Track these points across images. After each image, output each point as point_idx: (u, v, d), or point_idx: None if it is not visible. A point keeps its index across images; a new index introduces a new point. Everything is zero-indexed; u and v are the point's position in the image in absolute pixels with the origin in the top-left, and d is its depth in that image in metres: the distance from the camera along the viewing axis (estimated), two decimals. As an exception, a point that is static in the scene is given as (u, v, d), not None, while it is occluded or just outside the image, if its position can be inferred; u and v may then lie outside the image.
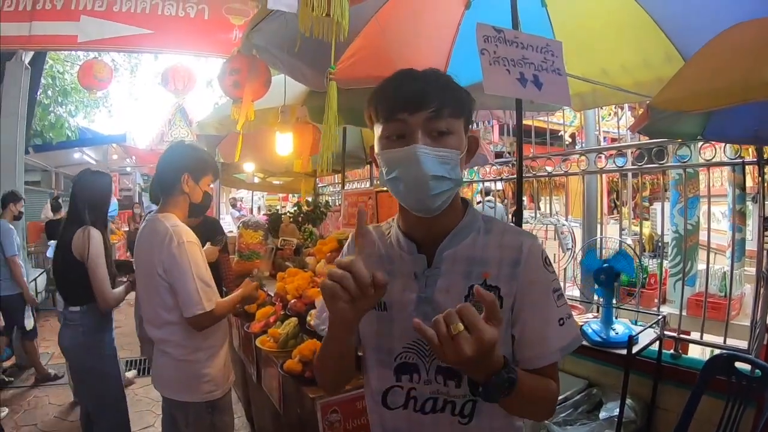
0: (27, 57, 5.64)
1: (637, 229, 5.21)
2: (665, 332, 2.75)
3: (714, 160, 2.71)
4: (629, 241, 3.22)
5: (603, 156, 3.24)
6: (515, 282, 1.05)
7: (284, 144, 2.47)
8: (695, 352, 3.14)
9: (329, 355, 1.11)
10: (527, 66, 1.86)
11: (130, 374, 4.82)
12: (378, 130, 1.06)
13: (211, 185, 2.28)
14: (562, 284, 3.28)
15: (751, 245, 5.15)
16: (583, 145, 3.49)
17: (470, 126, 1.11)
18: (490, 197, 5.61)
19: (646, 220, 5.71)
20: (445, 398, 1.08)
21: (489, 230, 1.12)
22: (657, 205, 6.74)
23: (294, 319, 2.46)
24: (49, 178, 10.69)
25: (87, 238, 2.56)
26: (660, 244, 6.01)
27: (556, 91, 1.91)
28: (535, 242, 1.10)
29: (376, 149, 1.08)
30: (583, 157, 3.23)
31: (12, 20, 4.97)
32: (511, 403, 0.95)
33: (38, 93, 6.97)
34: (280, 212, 4.20)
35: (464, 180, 4.39)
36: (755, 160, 2.63)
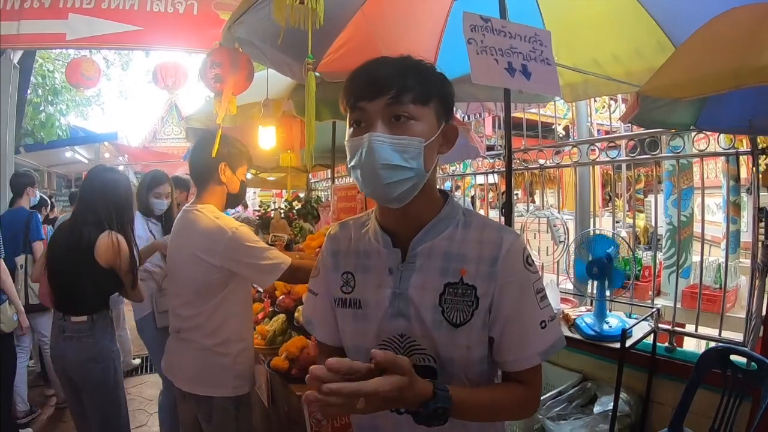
0: (15, 56, 5.56)
1: (631, 221, 5.22)
2: (660, 325, 2.73)
3: (707, 150, 2.68)
4: (624, 234, 3.20)
5: (596, 148, 3.21)
6: (493, 282, 1.00)
7: (267, 138, 2.42)
8: (690, 345, 3.13)
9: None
10: (515, 55, 1.82)
11: (136, 361, 4.95)
12: (347, 119, 1.03)
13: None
14: (555, 277, 3.31)
15: (746, 237, 5.15)
16: (576, 137, 3.45)
17: (448, 114, 1.05)
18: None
19: (641, 212, 5.70)
20: None
21: (468, 224, 1.07)
22: (652, 197, 6.75)
23: (282, 316, 2.43)
24: (41, 177, 10.61)
25: (117, 244, 2.39)
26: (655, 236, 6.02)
27: (545, 81, 1.87)
28: (517, 239, 1.05)
29: (345, 137, 1.05)
30: (575, 149, 3.20)
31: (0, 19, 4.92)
32: (461, 419, 0.95)
33: (28, 92, 6.91)
34: (270, 208, 4.15)
35: (458, 174, 4.39)
36: (749, 150, 2.60)
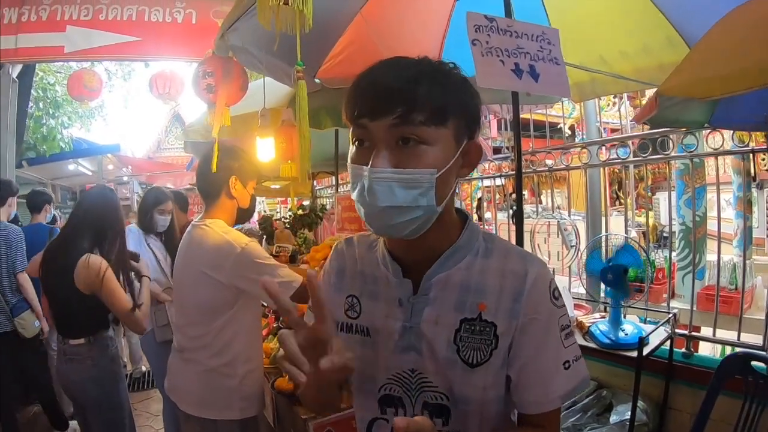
0: (15, 70, 5.56)
1: (640, 219, 5.14)
2: (676, 330, 2.64)
3: (721, 148, 2.60)
4: (633, 234, 3.12)
5: (604, 148, 3.13)
6: (515, 320, 0.89)
7: (265, 149, 2.35)
8: (706, 348, 3.04)
9: (305, 396, 1.01)
10: (522, 56, 1.75)
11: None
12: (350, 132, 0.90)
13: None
14: (567, 281, 3.22)
15: (757, 233, 5.09)
16: (584, 137, 3.37)
17: (472, 130, 0.89)
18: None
19: (650, 210, 5.62)
20: None
21: (489, 252, 0.94)
22: (659, 195, 6.68)
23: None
24: (45, 190, 10.60)
25: (89, 267, 2.27)
26: (664, 234, 5.93)
27: (554, 82, 1.80)
28: (543, 270, 0.93)
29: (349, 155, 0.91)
30: (584, 150, 3.12)
31: (-2, 34, 4.93)
32: None
33: (29, 106, 6.90)
34: (272, 217, 4.09)
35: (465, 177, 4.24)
36: (765, 147, 2.52)
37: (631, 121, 3.46)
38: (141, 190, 13.76)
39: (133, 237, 3.02)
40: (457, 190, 0.96)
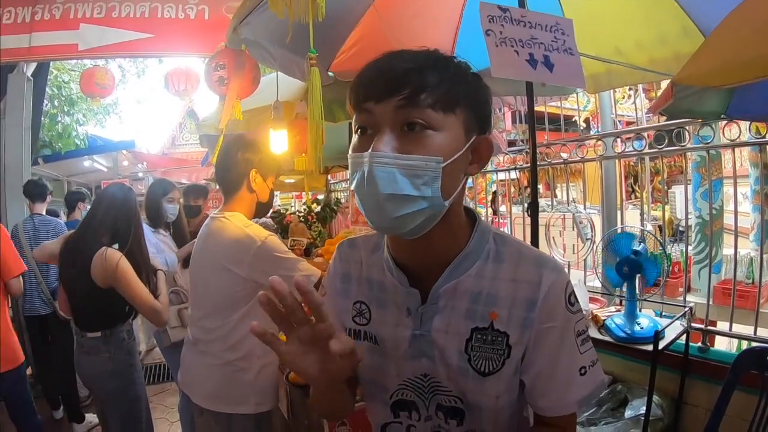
0: (29, 69, 5.63)
1: (656, 213, 5.08)
2: (692, 324, 2.61)
3: (738, 140, 2.56)
4: (649, 227, 3.08)
5: (620, 140, 3.09)
6: (529, 330, 0.86)
7: (279, 142, 2.34)
8: (722, 343, 3.00)
9: (319, 402, 1.00)
10: (537, 46, 1.73)
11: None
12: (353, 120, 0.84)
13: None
14: (582, 275, 3.19)
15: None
16: (599, 130, 3.33)
17: (482, 125, 0.84)
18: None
19: (666, 204, 5.55)
20: None
21: (500, 256, 0.89)
22: (675, 188, 6.59)
23: (301, 324, 2.36)
24: (61, 187, 10.71)
25: (107, 261, 2.28)
26: (680, 228, 5.85)
27: (568, 72, 1.77)
28: (558, 276, 0.87)
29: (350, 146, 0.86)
30: (599, 142, 3.08)
31: (12, 33, 5.00)
32: None
33: (44, 103, 6.98)
34: (287, 211, 4.10)
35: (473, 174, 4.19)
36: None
37: (647, 112, 3.41)
38: (156, 187, 13.92)
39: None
40: (468, 187, 0.93)
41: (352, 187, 0.81)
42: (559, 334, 0.86)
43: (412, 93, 0.75)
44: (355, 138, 0.83)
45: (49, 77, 7.06)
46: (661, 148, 2.75)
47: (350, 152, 0.82)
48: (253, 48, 2.17)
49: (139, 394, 2.48)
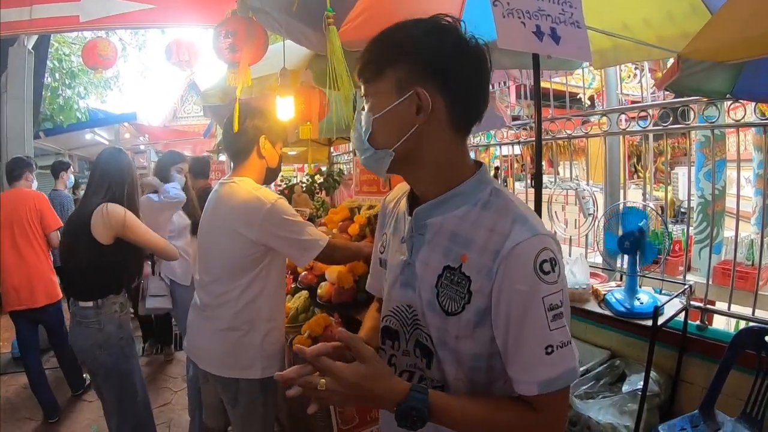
0: (30, 41, 5.58)
1: (658, 193, 5.08)
2: (691, 302, 2.64)
3: (744, 120, 2.55)
4: (652, 206, 3.09)
5: (624, 117, 3.08)
6: (489, 282, 0.86)
7: (285, 109, 2.32)
8: (719, 323, 3.03)
9: None
10: (544, 18, 1.70)
11: None
12: None
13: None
14: (583, 251, 3.20)
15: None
16: (604, 106, 3.32)
17: (425, 75, 0.89)
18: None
19: (668, 185, 5.55)
20: (421, 374, 0.99)
21: (488, 206, 0.92)
22: (678, 170, 6.58)
23: (305, 293, 2.38)
24: (63, 160, 10.72)
25: (108, 214, 2.32)
26: (681, 209, 5.85)
27: (575, 45, 1.75)
28: (532, 239, 0.85)
29: None
30: (604, 119, 3.07)
31: (12, 5, 4.91)
32: (447, 427, 0.88)
33: (45, 76, 6.92)
34: (293, 182, 4.12)
35: (482, 145, 4.23)
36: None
37: (651, 89, 3.38)
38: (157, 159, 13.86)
39: (153, 209, 3.06)
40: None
41: None
42: (525, 300, 0.84)
43: (366, 75, 0.95)
44: None
45: (49, 50, 6.99)
46: (666, 126, 2.74)
47: None
48: (261, 15, 2.14)
49: (131, 369, 2.47)
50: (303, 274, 2.57)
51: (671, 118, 2.69)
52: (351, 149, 7.59)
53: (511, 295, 0.84)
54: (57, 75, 8.13)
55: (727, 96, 2.29)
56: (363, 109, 0.97)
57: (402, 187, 1.16)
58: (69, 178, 5.36)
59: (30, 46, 5.56)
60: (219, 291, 1.92)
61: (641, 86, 4.08)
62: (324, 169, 5.43)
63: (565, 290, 0.88)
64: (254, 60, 2.07)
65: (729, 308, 2.70)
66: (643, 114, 2.92)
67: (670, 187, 5.53)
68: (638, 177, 7.54)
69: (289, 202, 3.56)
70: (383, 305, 1.09)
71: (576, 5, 1.82)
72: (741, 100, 2.42)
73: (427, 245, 0.96)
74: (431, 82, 0.89)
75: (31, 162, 3.96)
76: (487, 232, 0.89)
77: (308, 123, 2.35)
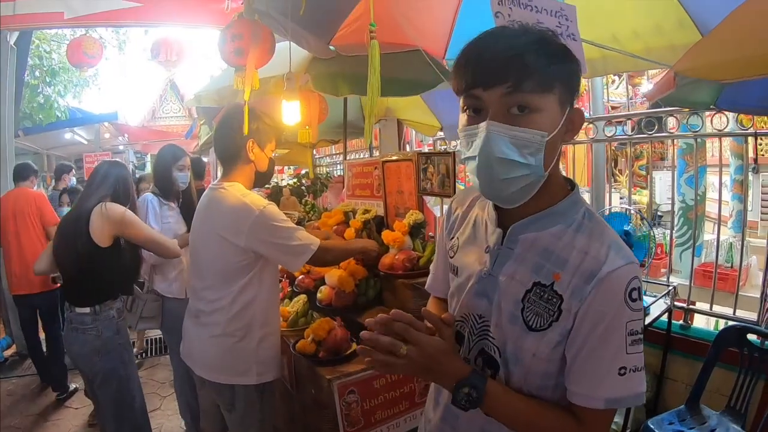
0: (12, 37, 5.44)
1: (635, 197, 5.22)
2: (675, 303, 2.73)
3: (725, 130, 2.66)
4: (633, 210, 3.19)
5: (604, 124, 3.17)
6: (580, 302, 0.88)
7: (291, 113, 2.31)
8: (700, 322, 3.14)
9: None
10: (542, 30, 1.77)
11: None
12: (459, 102, 0.94)
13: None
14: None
15: (751, 216, 5.18)
16: (590, 113, 3.40)
17: (573, 96, 0.91)
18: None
19: (644, 188, 5.69)
20: None
21: (583, 229, 0.94)
22: (656, 174, 6.75)
23: (303, 297, 2.39)
24: (41, 160, 10.50)
25: (107, 212, 2.30)
26: (658, 213, 5.99)
27: (572, 57, 1.82)
28: (626, 267, 0.87)
29: (459, 124, 0.95)
30: (590, 125, 3.16)
31: (-3, 1, 4.79)
32: (495, 417, 0.94)
33: (25, 74, 6.76)
34: (279, 185, 4.11)
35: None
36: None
37: (642, 97, 3.49)
38: (136, 160, 13.63)
39: (152, 209, 2.91)
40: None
41: (466, 156, 0.92)
42: (609, 323, 0.86)
43: (516, 81, 0.83)
44: (464, 117, 0.92)
45: (30, 47, 6.84)
46: (651, 134, 2.84)
47: (461, 129, 0.92)
48: (265, 18, 2.16)
49: (129, 374, 2.44)
50: (300, 278, 2.59)
51: (656, 126, 2.79)
52: (333, 152, 7.58)
53: (596, 317, 0.87)
54: (37, 73, 7.94)
55: (711, 107, 2.39)
56: (519, 121, 0.85)
57: (469, 191, 1.16)
58: (71, 180, 5.60)
59: (12, 42, 5.44)
60: (212, 297, 1.91)
61: (627, 92, 4.20)
62: (305, 171, 5.41)
63: (643, 320, 0.92)
64: (261, 63, 2.06)
65: (711, 308, 2.80)
66: (618, 121, 3.02)
67: (646, 191, 5.67)
68: (615, 181, 7.70)
69: (278, 205, 3.57)
70: (453, 310, 1.09)
71: (572, 19, 1.88)
72: (723, 111, 2.53)
73: (515, 260, 0.96)
74: (573, 101, 0.91)
75: (38, 169, 4.54)
76: (581, 254, 0.90)
77: (307, 127, 2.37)
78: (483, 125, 0.86)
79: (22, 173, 4.32)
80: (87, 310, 2.33)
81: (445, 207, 1.28)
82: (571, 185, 1.00)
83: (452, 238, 1.14)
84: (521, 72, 0.83)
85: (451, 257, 1.12)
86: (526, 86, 0.83)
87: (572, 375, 0.91)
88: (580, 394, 0.90)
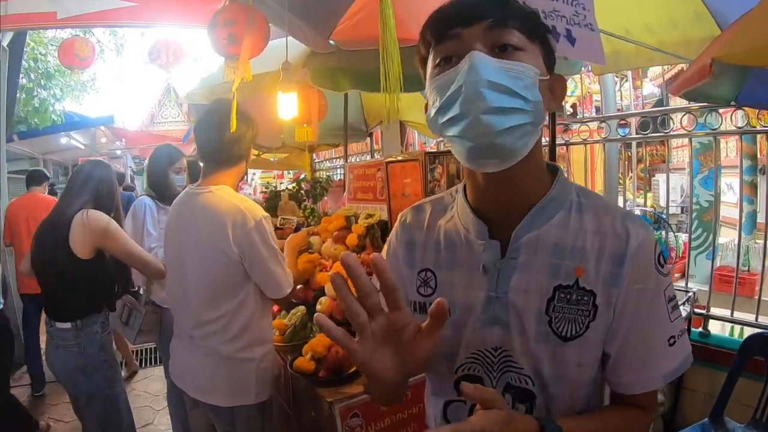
0: (5, 39, 5.33)
1: (639, 200, 5.12)
2: (695, 309, 2.62)
3: (747, 127, 2.55)
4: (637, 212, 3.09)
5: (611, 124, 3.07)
6: (617, 288, 0.78)
7: (288, 106, 2.13)
8: (715, 328, 3.02)
9: (376, 394, 0.88)
10: (559, 19, 1.65)
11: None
12: (429, 62, 0.80)
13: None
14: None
15: (760, 218, 5.07)
16: (603, 112, 3.30)
17: (552, 67, 0.81)
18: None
19: (648, 191, 5.59)
20: None
21: (583, 208, 0.83)
22: (659, 176, 6.64)
23: (301, 308, 2.23)
24: (36, 165, 10.38)
25: (89, 221, 2.14)
26: (662, 216, 5.91)
27: (589, 48, 1.70)
28: (648, 233, 0.81)
29: (426, 86, 0.81)
30: (602, 125, 3.05)
31: (-13, 1, 4.69)
32: None
33: (20, 76, 6.66)
34: (277, 189, 3.98)
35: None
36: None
37: (668, 87, 3.38)
38: (134, 165, 13.55)
39: (150, 213, 2.76)
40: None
41: (440, 104, 0.75)
42: (651, 299, 0.80)
43: (501, 17, 0.74)
44: (435, 71, 0.78)
45: (25, 49, 6.73)
46: (668, 132, 2.72)
47: (432, 80, 0.78)
48: (260, 4, 1.99)
49: (116, 393, 2.29)
50: (298, 288, 2.44)
51: (673, 125, 2.68)
52: (333, 156, 7.48)
53: (638, 297, 0.79)
54: (32, 75, 7.83)
55: (732, 103, 2.29)
56: (502, 54, 0.74)
57: (418, 211, 0.99)
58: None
59: (5, 44, 5.33)
60: (207, 317, 1.74)
61: (630, 93, 4.12)
62: (304, 175, 5.32)
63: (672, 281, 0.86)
64: (255, 52, 1.88)
65: (732, 314, 2.68)
66: (623, 122, 2.93)
67: (650, 194, 5.57)
68: (618, 183, 7.62)
69: (276, 210, 3.46)
70: (443, 350, 0.88)
71: (589, 7, 1.77)
72: (743, 108, 2.43)
73: (522, 269, 0.81)
74: (552, 71, 0.81)
75: (50, 176, 4.87)
76: (597, 236, 0.81)
77: (305, 125, 2.22)
78: (465, 57, 0.72)
79: (35, 178, 4.59)
80: (68, 325, 2.17)
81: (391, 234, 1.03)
82: (552, 168, 0.88)
83: (423, 271, 0.93)
84: (506, 7, 0.76)
85: (429, 295, 0.91)
86: (512, 22, 0.75)
87: (621, 366, 0.82)
88: (635, 382, 0.82)
